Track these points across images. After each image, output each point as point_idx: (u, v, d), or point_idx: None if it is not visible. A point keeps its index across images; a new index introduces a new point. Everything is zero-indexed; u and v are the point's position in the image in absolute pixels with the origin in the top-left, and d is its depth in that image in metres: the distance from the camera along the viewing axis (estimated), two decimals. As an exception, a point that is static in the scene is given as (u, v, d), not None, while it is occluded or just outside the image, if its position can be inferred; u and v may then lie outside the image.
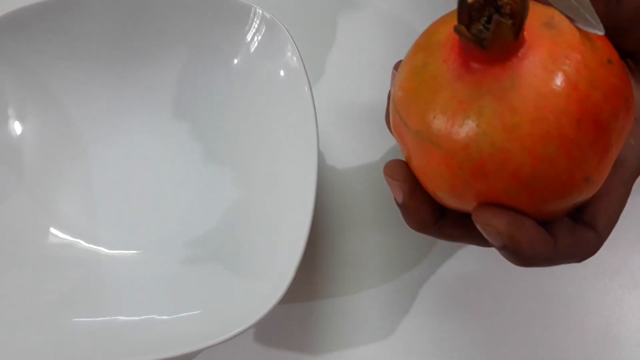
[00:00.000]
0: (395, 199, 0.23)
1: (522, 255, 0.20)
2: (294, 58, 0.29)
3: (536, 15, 0.19)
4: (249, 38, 0.30)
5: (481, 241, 0.22)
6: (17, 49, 0.30)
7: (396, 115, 0.21)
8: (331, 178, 0.33)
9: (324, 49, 0.35)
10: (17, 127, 0.31)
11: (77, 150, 0.32)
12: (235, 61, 0.31)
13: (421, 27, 0.36)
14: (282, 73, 0.29)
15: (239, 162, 0.31)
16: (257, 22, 0.30)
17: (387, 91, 0.34)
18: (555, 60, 0.18)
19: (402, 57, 0.35)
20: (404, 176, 0.22)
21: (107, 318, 0.29)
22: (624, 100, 0.19)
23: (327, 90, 0.34)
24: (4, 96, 0.31)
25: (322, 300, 0.31)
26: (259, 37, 0.30)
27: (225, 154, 0.32)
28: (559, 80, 0.18)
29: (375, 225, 0.32)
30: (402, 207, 0.22)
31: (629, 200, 0.32)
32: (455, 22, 0.19)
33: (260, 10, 0.29)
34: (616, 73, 0.19)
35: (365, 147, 0.33)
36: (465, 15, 0.18)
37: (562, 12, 0.20)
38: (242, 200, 0.31)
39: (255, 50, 0.30)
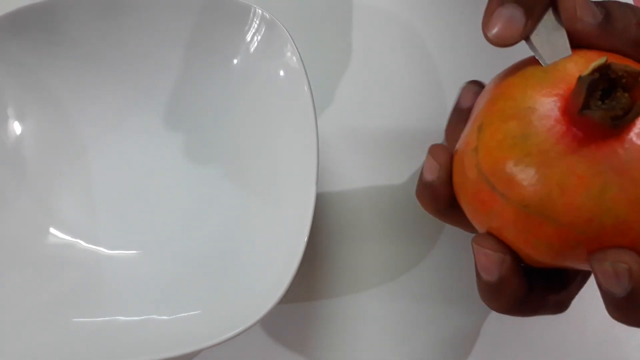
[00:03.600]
0: (483, 278, 0.21)
1: None
2: (294, 58, 0.29)
3: None
4: (248, 38, 0.30)
5: (557, 309, 0.22)
6: (17, 49, 0.30)
7: (484, 183, 0.20)
8: (331, 178, 0.33)
9: (324, 49, 0.35)
10: (16, 127, 0.31)
11: (77, 150, 0.32)
12: (235, 61, 0.31)
13: (422, 28, 0.36)
14: (281, 73, 0.29)
15: (239, 161, 0.31)
16: (257, 22, 0.30)
17: (388, 92, 0.35)
18: None
19: (402, 57, 0.35)
20: (501, 247, 0.20)
21: (107, 318, 0.29)
22: None
23: (327, 90, 0.34)
24: (4, 96, 0.31)
25: (322, 300, 0.31)
26: (259, 37, 0.30)
27: (224, 154, 0.32)
28: None
29: (376, 226, 0.32)
30: (498, 283, 0.20)
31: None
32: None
33: (259, 10, 0.29)
34: None
35: (366, 148, 0.33)
36: (584, 94, 0.18)
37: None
38: (242, 200, 0.31)
39: (254, 50, 0.30)
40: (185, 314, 0.28)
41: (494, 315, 0.31)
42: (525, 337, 0.30)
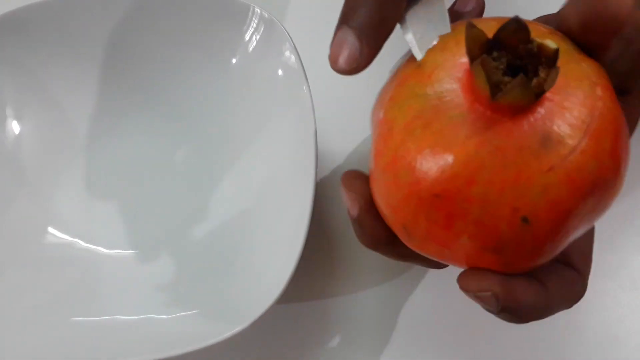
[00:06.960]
0: (348, 212, 0.22)
1: (521, 312, 0.19)
2: (293, 57, 0.29)
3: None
4: (247, 37, 0.30)
5: (431, 263, 0.22)
6: (16, 48, 0.30)
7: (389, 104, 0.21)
8: (330, 177, 0.33)
9: (322, 49, 0.35)
10: (15, 127, 0.31)
11: (76, 149, 0.32)
12: (234, 61, 0.31)
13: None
14: (280, 72, 0.29)
15: (237, 161, 0.31)
16: (256, 21, 0.30)
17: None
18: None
19: (401, 57, 0.35)
20: (362, 189, 0.21)
21: (106, 318, 0.29)
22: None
23: (326, 90, 0.34)
24: (3, 95, 0.31)
25: (321, 300, 0.31)
26: (257, 37, 0.30)
27: (223, 153, 0.32)
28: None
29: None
30: (356, 221, 0.21)
31: (629, 200, 0.31)
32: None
33: (258, 10, 0.29)
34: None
35: (366, 148, 0.33)
36: (483, 47, 0.16)
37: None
38: (240, 200, 0.31)
39: (253, 49, 0.30)
40: (184, 314, 0.28)
41: (493, 317, 0.31)
42: (525, 337, 0.30)
